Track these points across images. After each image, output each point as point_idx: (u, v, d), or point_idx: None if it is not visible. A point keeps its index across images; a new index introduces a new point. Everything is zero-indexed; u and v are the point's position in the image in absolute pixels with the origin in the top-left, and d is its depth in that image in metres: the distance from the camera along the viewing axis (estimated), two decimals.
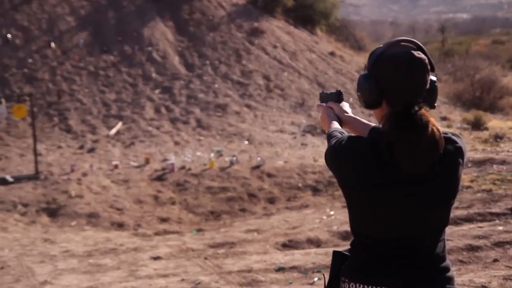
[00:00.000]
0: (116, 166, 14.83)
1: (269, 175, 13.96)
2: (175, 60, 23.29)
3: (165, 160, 15.37)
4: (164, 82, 21.68)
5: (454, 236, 9.06)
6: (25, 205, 12.51)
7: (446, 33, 51.50)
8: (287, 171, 14.17)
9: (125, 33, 24.29)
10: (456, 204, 10.61)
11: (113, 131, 18.24)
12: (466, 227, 9.50)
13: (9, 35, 22.89)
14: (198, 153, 16.16)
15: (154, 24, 25.16)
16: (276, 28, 27.32)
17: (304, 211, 11.96)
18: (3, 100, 18.66)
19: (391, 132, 2.42)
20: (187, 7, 26.67)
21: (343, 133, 2.76)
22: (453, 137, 2.55)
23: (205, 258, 9.15)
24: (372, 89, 2.61)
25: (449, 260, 2.64)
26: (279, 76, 23.10)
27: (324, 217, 10.89)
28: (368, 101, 2.64)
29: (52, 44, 23.04)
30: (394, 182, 2.48)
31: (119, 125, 18.67)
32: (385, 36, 68.88)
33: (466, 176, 12.53)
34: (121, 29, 24.55)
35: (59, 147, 17.10)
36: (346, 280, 2.61)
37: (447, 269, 2.58)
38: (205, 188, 13.39)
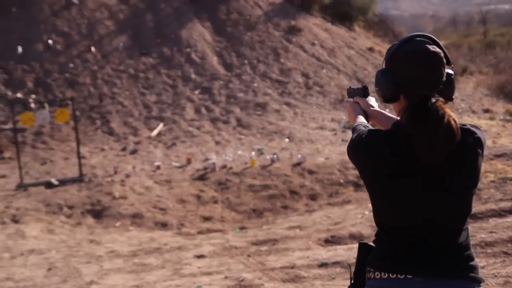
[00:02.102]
0: (158, 167, 14.97)
1: (310, 172, 13.97)
2: (214, 60, 23.42)
3: (206, 159, 15.48)
4: (203, 83, 21.82)
5: (499, 228, 8.99)
6: (71, 207, 12.71)
7: (487, 25, 50.79)
8: (328, 167, 14.16)
9: (164, 35, 24.50)
10: (500, 196, 10.58)
11: (155, 132, 18.42)
12: (510, 219, 9.40)
13: (50, 41, 23.25)
14: (239, 152, 16.24)
15: (192, 26, 25.32)
16: (314, 25, 27.29)
17: (346, 207, 11.94)
18: (46, 105, 19.01)
19: (408, 124, 2.50)
20: (224, 7, 26.79)
21: (367, 126, 2.85)
22: (472, 128, 2.62)
23: (248, 256, 9.20)
24: (389, 83, 2.70)
25: (473, 250, 2.67)
26: (318, 73, 23.09)
27: (367, 212, 10.86)
28: (386, 96, 2.73)
29: (92, 48, 23.34)
30: (412, 172, 2.56)
31: (160, 126, 18.85)
32: (425, 29, 68.29)
33: (510, 167, 12.42)
34: (159, 31, 24.76)
35: (102, 149, 17.33)
36: (372, 270, 2.69)
37: (470, 258, 2.63)
38: (246, 187, 13.45)
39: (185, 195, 13.20)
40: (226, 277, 8.15)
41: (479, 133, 2.64)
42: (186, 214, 12.38)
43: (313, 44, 25.36)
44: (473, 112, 21.46)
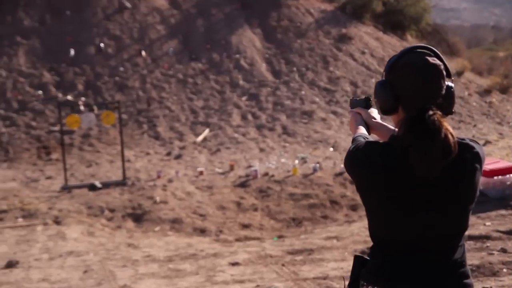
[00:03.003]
0: (201, 173, 15.04)
1: (352, 182, 13.85)
2: (263, 67, 23.44)
3: (249, 166, 15.49)
4: (251, 89, 21.86)
5: None
6: (112, 211, 12.84)
7: None
8: None
9: (214, 41, 24.62)
10: None
11: (200, 138, 18.50)
12: None
13: (102, 44, 23.57)
14: (283, 160, 16.21)
15: (242, 32, 25.39)
16: (365, 34, 27.12)
17: None
18: (95, 108, 19.28)
19: (404, 137, 2.48)
20: (275, 14, 26.80)
21: (366, 138, 2.83)
22: (471, 143, 2.59)
23: (282, 265, 9.16)
24: (387, 95, 2.67)
25: (468, 267, 2.63)
26: (366, 82, 22.92)
27: None
28: (384, 107, 2.71)
29: (143, 53, 23.59)
30: (408, 186, 2.53)
31: (206, 132, 18.93)
32: (486, 40, 67.19)
33: None
34: (209, 37, 24.90)
35: (147, 153, 17.49)
36: (365, 284, 2.69)
37: (465, 275, 2.60)
38: (287, 195, 13.41)
39: (226, 202, 13.22)
40: (257, 286, 8.14)
41: (477, 148, 2.60)
42: (225, 221, 12.40)
43: (363, 52, 25.21)
44: None
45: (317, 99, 21.27)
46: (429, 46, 2.68)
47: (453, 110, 2.70)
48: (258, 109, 20.59)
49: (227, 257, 9.82)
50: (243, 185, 14.08)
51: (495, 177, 11.57)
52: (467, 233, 8.22)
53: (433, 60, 2.60)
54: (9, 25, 23.91)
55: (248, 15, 26.58)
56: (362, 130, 3.06)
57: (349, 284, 2.78)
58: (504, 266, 7.95)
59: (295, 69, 23.33)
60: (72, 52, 22.94)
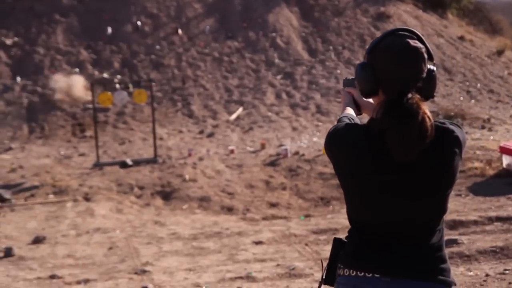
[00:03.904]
0: (232, 151, 15.04)
1: None
2: (299, 45, 23.30)
3: (280, 145, 15.44)
4: (286, 68, 21.76)
5: None
6: (141, 188, 12.92)
7: None
8: None
9: (250, 19, 24.53)
10: None
11: (233, 116, 18.51)
12: None
13: (139, 23, 23.66)
14: (315, 139, 16.13)
15: (279, 10, 25.25)
16: (404, 12, 26.76)
17: None
18: (130, 85, 19.39)
19: (382, 120, 2.45)
20: None
21: (352, 119, 2.81)
22: (451, 127, 2.54)
23: (306, 244, 9.13)
24: (368, 77, 2.62)
25: (446, 251, 2.60)
26: None
27: None
28: (365, 90, 2.67)
29: (179, 31, 23.62)
30: (386, 169, 2.49)
31: (240, 110, 18.92)
32: None
33: None
34: (246, 15, 24.81)
35: (180, 131, 17.55)
36: (341, 266, 2.65)
37: (442, 260, 2.56)
38: (317, 174, 13.34)
39: (254, 181, 13.21)
40: (278, 265, 8.12)
41: (458, 132, 2.54)
42: (253, 199, 12.40)
43: None
44: None
45: (351, 77, 21.07)
46: (411, 29, 2.63)
47: (434, 94, 2.65)
48: (293, 87, 20.51)
49: (251, 235, 9.82)
50: (273, 164, 14.05)
51: None
52: (494, 214, 8.11)
53: (414, 43, 2.55)
54: (48, 3, 24.12)
55: None
56: (349, 111, 3.03)
57: (327, 265, 2.74)
58: None
59: (331, 47, 23.16)
60: (110, 30, 23.08)
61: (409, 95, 2.44)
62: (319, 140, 15.97)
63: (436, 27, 26.73)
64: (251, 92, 20.27)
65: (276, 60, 22.22)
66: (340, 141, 2.61)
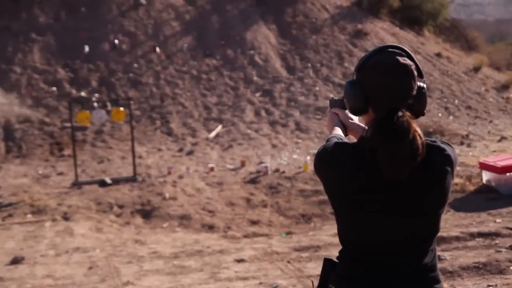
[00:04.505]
0: (212, 169, 14.97)
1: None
2: (277, 63, 23.34)
3: (260, 163, 15.40)
4: (265, 85, 21.76)
5: None
6: (121, 207, 12.80)
7: None
8: None
9: (228, 37, 24.55)
10: None
11: (213, 134, 18.44)
12: None
13: (116, 41, 23.58)
14: (295, 156, 16.10)
15: (257, 28, 25.30)
16: (381, 29, 26.94)
17: None
18: (108, 104, 19.29)
19: (373, 138, 2.40)
20: (290, 10, 26.69)
21: (340, 139, 2.74)
22: (442, 145, 2.51)
23: (288, 262, 9.08)
24: (357, 95, 2.59)
25: (439, 272, 2.55)
26: None
27: None
28: (354, 108, 2.63)
29: (157, 49, 23.57)
30: (377, 188, 2.44)
31: (219, 128, 18.86)
32: (510, 35, 66.73)
33: None
34: (224, 33, 24.83)
35: (159, 149, 17.44)
36: (333, 287, 2.54)
37: (435, 280, 2.52)
38: (297, 191, 13.30)
39: (235, 198, 13.14)
40: (260, 283, 8.06)
41: (449, 151, 2.52)
42: (234, 217, 12.32)
43: None
44: None
45: (331, 95, 21.05)
46: (400, 46, 2.60)
47: (424, 112, 2.62)
48: (272, 105, 20.50)
49: (233, 253, 9.75)
50: (253, 181, 13.99)
51: (508, 174, 11.41)
52: (476, 230, 8.11)
53: (403, 60, 2.52)
54: (25, 22, 24.01)
55: (263, 11, 26.49)
56: (338, 131, 2.98)
57: (318, 287, 2.69)
58: (511, 264, 7.81)
59: (309, 65, 23.21)
60: (87, 48, 22.98)
61: (400, 113, 2.40)
62: (299, 157, 15.95)
63: (413, 44, 26.91)
64: (230, 110, 20.22)
65: (255, 78, 22.22)
66: (329, 160, 2.57)
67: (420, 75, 2.57)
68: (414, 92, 2.52)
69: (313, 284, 2.84)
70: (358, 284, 2.50)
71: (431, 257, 2.52)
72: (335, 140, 2.71)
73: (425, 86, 2.61)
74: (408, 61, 2.53)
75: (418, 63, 2.57)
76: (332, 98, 3.29)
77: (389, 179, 2.39)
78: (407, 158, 2.34)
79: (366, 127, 2.52)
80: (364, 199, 2.46)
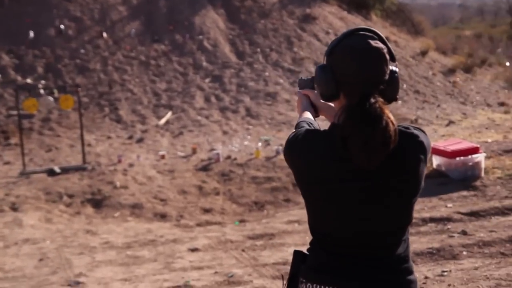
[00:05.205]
0: (162, 157, 14.81)
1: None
2: (226, 48, 23.18)
3: (212, 150, 15.29)
4: (214, 71, 21.60)
5: (500, 227, 8.77)
6: (71, 196, 12.58)
7: None
8: None
9: (176, 22, 24.29)
10: (505, 193, 10.30)
11: (163, 121, 18.25)
12: None
13: (62, 26, 23.11)
14: (246, 143, 16.04)
15: (205, 13, 25.07)
16: (329, 13, 26.96)
17: None
18: (55, 91, 18.93)
19: (344, 125, 2.33)
20: None
21: (311, 124, 2.68)
22: (415, 131, 2.45)
23: (242, 250, 9.05)
24: (328, 80, 2.51)
25: (412, 261, 2.53)
26: None
27: None
28: (325, 93, 2.56)
29: (104, 34, 23.19)
30: (349, 177, 2.38)
31: (169, 114, 18.67)
32: (452, 19, 67.68)
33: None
34: (172, 18, 24.54)
35: (109, 137, 17.18)
36: (304, 280, 2.53)
37: (408, 271, 2.48)
38: (250, 178, 13.25)
39: (187, 186, 13.03)
40: (216, 272, 8.01)
41: (422, 137, 2.46)
42: (187, 205, 12.22)
43: (327, 33, 25.05)
44: (488, 105, 21.13)
45: (281, 81, 21.10)
46: (372, 29, 2.53)
47: (397, 96, 2.56)
48: (222, 91, 20.36)
49: (186, 242, 9.67)
50: (205, 168, 13.89)
51: (457, 158, 11.53)
52: (428, 215, 8.15)
53: (375, 43, 2.45)
54: None
55: None
56: (307, 115, 2.90)
57: (287, 280, 2.63)
58: (464, 249, 7.90)
59: (259, 50, 23.11)
60: (32, 34, 22.47)
61: (372, 99, 2.34)
62: (250, 144, 15.88)
63: None
64: (179, 96, 20.03)
65: (204, 63, 22.04)
66: (300, 148, 2.50)
67: (392, 58, 2.51)
68: (387, 77, 2.46)
69: (283, 278, 2.78)
70: (329, 276, 2.45)
71: (404, 247, 2.49)
72: (306, 126, 2.64)
73: (397, 70, 2.55)
74: (380, 44, 2.47)
75: (390, 46, 2.51)
76: (301, 78, 3.20)
77: (361, 168, 2.33)
78: (379, 145, 2.28)
79: (338, 113, 2.44)
80: (335, 189, 2.40)
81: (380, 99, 2.36)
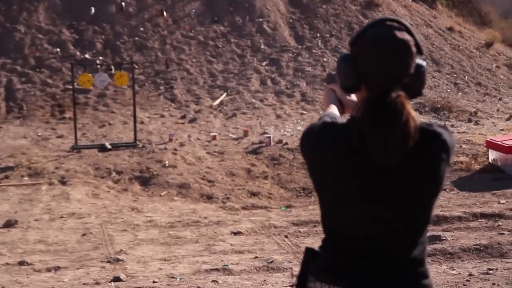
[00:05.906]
0: (214, 137, 14.72)
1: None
2: (285, 32, 22.94)
3: (264, 133, 15.14)
4: (272, 54, 21.40)
5: None
6: (119, 173, 12.60)
7: None
8: None
9: (237, 3, 24.11)
10: None
11: (217, 102, 18.17)
12: None
13: (123, 3, 23.19)
14: (299, 127, 15.82)
15: None
16: (393, 1, 26.46)
17: None
18: (112, 67, 19.00)
19: (363, 120, 2.16)
20: None
21: (334, 118, 2.49)
22: (438, 129, 2.24)
23: (285, 236, 8.89)
24: (349, 71, 2.35)
25: (428, 266, 2.34)
26: None
27: None
28: (345, 85, 2.39)
29: (165, 13, 23.19)
30: (365, 173, 2.21)
31: (223, 96, 18.58)
32: None
33: None
34: None
35: (162, 116, 17.17)
36: (313, 279, 2.36)
37: (424, 275, 2.30)
38: (299, 164, 13.03)
39: (236, 168, 12.92)
40: (255, 257, 7.87)
41: (446, 136, 2.26)
42: (234, 188, 12.11)
43: None
44: None
45: None
46: (399, 19, 2.33)
47: (422, 92, 2.37)
48: (278, 74, 20.16)
49: (230, 225, 9.57)
50: (255, 152, 13.75)
51: None
52: (479, 210, 7.85)
53: (402, 35, 2.26)
54: None
55: None
56: (333, 109, 2.72)
57: (298, 278, 2.46)
58: None
59: (318, 35, 22.81)
60: (93, 10, 22.61)
61: (394, 94, 2.17)
62: (303, 129, 15.65)
63: (425, 17, 26.47)
64: (235, 78, 19.90)
65: (262, 46, 21.86)
66: (316, 141, 2.34)
67: (420, 51, 2.32)
68: (412, 71, 2.28)
69: (292, 274, 2.61)
70: (340, 276, 2.29)
71: (420, 250, 2.30)
72: (326, 119, 2.47)
73: (424, 64, 2.35)
74: (407, 36, 2.28)
75: (418, 38, 2.31)
76: (330, 72, 3.03)
77: (378, 165, 2.16)
78: (398, 142, 2.12)
79: (358, 105, 2.26)
80: (351, 185, 2.24)
81: (402, 94, 2.19)
